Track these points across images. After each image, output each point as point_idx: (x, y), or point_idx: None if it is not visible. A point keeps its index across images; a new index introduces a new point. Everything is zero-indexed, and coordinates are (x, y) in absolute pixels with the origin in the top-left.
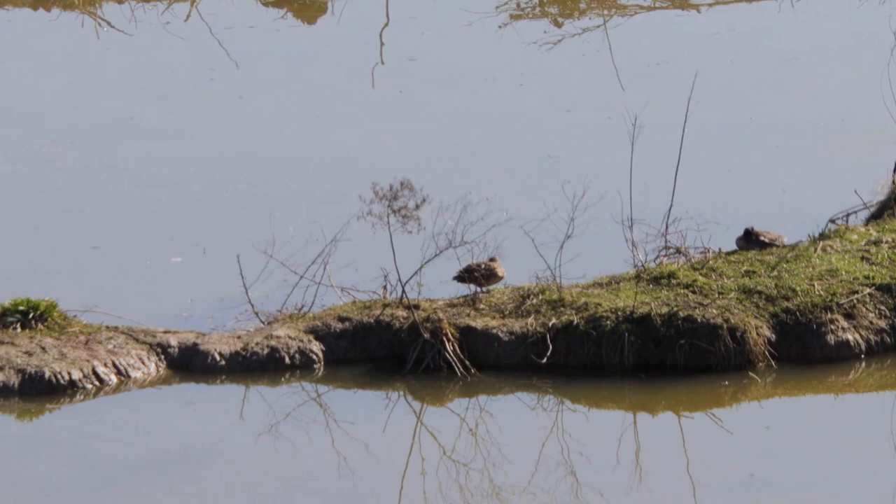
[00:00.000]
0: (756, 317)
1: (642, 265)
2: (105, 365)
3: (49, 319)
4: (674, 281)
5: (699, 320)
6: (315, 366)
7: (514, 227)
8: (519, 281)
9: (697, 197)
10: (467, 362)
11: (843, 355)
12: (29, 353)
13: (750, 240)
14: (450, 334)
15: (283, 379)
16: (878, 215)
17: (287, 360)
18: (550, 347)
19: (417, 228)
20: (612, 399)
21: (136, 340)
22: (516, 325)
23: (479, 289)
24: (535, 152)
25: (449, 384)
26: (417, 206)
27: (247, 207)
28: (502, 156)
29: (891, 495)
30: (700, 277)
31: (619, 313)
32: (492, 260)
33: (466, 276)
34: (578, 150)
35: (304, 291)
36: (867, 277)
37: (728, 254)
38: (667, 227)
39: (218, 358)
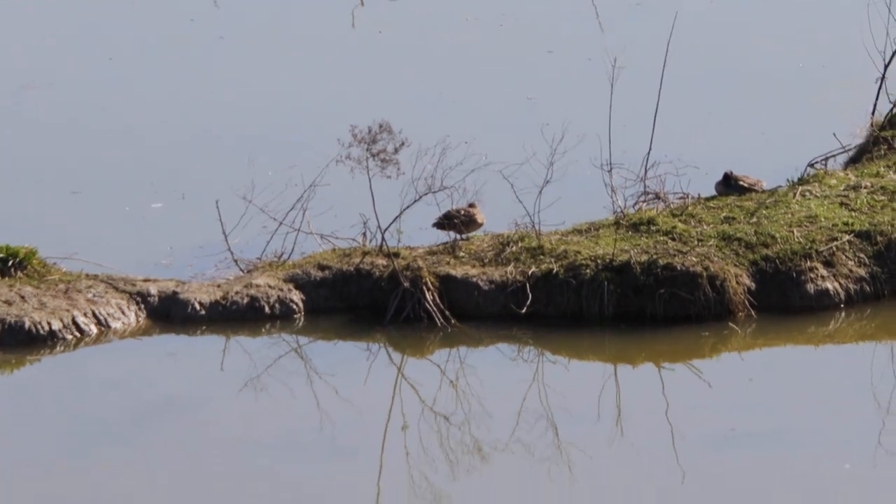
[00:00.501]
0: (736, 265)
1: (621, 211)
2: (85, 315)
3: (28, 267)
4: (653, 227)
5: (679, 269)
6: (295, 315)
7: (493, 172)
8: (499, 227)
9: (677, 141)
10: (447, 312)
11: (823, 304)
12: (9, 303)
13: (729, 185)
14: (430, 283)
15: (263, 329)
16: (856, 159)
17: (267, 309)
18: (530, 297)
19: (396, 173)
20: (592, 350)
21: (116, 289)
22: (496, 274)
23: (458, 236)
24: (515, 94)
25: (429, 335)
26: (396, 150)
27: (226, 152)
28: (482, 98)
29: (872, 446)
30: (679, 224)
31: (599, 261)
32: (471, 206)
33: (446, 222)
34: (558, 92)
35: (284, 238)
36: (846, 224)
37: (707, 199)
38: (646, 172)
39: (198, 307)
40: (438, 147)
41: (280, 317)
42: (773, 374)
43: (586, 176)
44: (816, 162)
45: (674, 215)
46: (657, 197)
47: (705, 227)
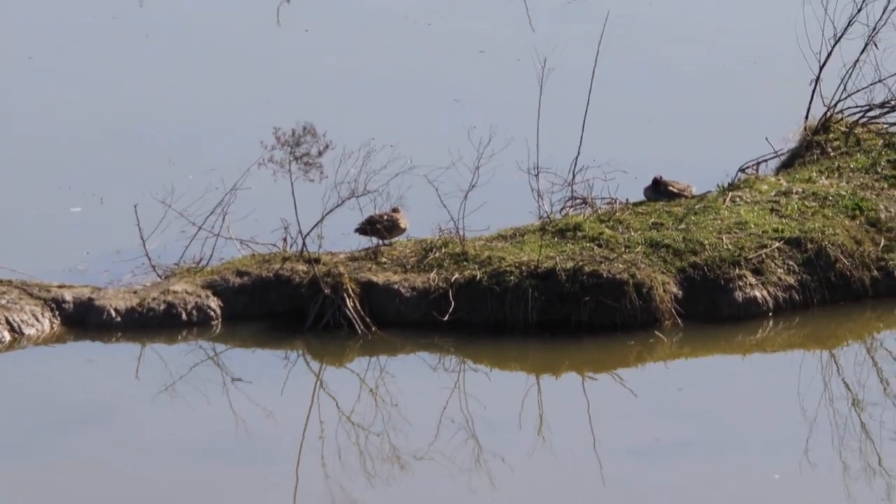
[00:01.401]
0: (663, 272)
1: (548, 216)
2: None
3: None
4: (580, 233)
5: (605, 276)
6: (213, 322)
7: (417, 176)
8: (423, 233)
9: (607, 145)
10: (368, 319)
11: (751, 313)
12: None
13: (658, 190)
14: (351, 290)
15: (180, 336)
16: (789, 164)
17: (184, 316)
18: (453, 304)
19: (320, 177)
20: (515, 359)
21: (30, 295)
22: (418, 280)
23: (381, 241)
24: (443, 96)
25: (349, 342)
26: (320, 153)
27: (146, 154)
28: (408, 99)
29: (799, 455)
30: (606, 230)
31: (524, 268)
32: (394, 211)
33: (368, 227)
34: (486, 93)
35: (203, 243)
36: (776, 231)
37: (636, 205)
38: (573, 176)
39: (114, 314)
40: (363, 150)
41: (197, 324)
42: (699, 384)
43: (513, 181)
44: (748, 167)
45: (601, 221)
46: (584, 202)
47: (633, 233)
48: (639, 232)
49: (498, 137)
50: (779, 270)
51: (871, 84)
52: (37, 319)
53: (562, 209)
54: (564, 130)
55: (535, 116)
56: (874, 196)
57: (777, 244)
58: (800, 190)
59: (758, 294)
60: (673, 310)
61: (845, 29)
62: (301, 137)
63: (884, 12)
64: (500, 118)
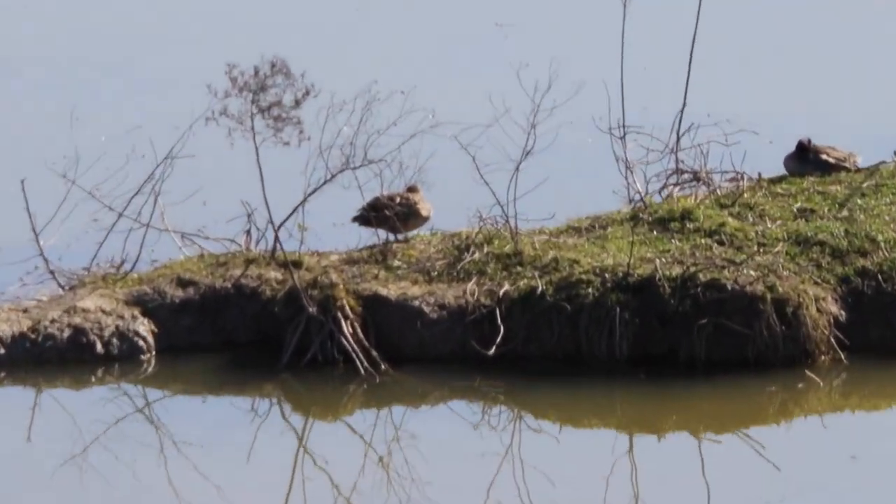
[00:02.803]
0: (816, 283)
1: (641, 199)
2: None
3: None
4: (690, 224)
5: (729, 288)
6: (143, 356)
7: (444, 139)
8: (454, 223)
9: (724, 93)
10: (375, 353)
11: None
12: None
13: (806, 159)
14: (348, 308)
15: (93, 378)
16: None
17: (99, 346)
18: (502, 330)
19: (298, 138)
20: (596, 411)
21: None
22: (449, 295)
23: (392, 235)
24: (479, 20)
25: (347, 387)
26: (297, 103)
27: (37, 103)
28: (424, 24)
29: None
30: (730, 219)
31: (607, 276)
32: (411, 190)
33: (373, 215)
34: (542, 16)
35: (126, 238)
36: None
37: (772, 181)
38: (678, 140)
39: None
40: (361, 99)
41: (119, 358)
42: (876, 451)
43: (587, 146)
44: None
45: (722, 206)
46: (696, 178)
47: (770, 224)
48: (779, 222)
49: (563, 80)
50: None
51: None
52: None
53: (662, 188)
54: (662, 72)
55: (617, 52)
56: None
57: None
58: None
59: None
60: (832, 339)
61: None
62: (268, 79)
63: None
64: (563, 51)
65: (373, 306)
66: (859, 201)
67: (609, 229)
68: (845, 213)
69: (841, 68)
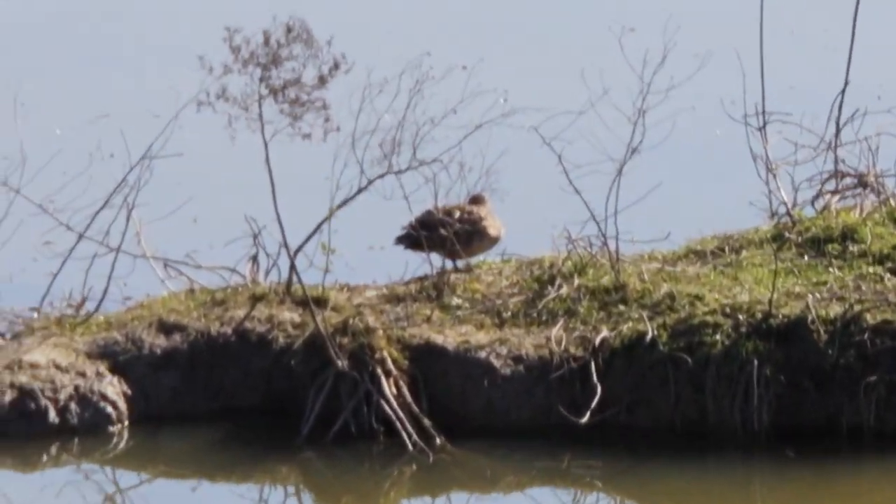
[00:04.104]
0: None
1: (787, 212)
2: None
3: None
4: (854, 247)
5: None
6: (112, 427)
7: (520, 131)
8: (532, 245)
9: None
10: (427, 421)
11: None
12: None
13: None
14: (391, 361)
15: (45, 456)
16: None
17: (53, 415)
18: (599, 390)
19: (323, 129)
20: (728, 502)
21: None
22: (527, 343)
23: (450, 262)
24: None
25: (391, 469)
26: (322, 80)
27: None
28: None
29: None
30: None
31: (742, 317)
32: (475, 202)
33: (425, 235)
34: None
35: (89, 267)
36: None
37: None
38: (838, 130)
39: None
40: (408, 76)
41: (81, 430)
42: None
43: (714, 140)
44: None
45: None
46: (862, 183)
47: None
48: None
49: (680, 50)
50: None
51: None
52: None
53: (816, 197)
54: (815, 37)
55: (756, 8)
56: None
57: None
58: None
59: None
60: None
61: None
62: (282, 48)
63: None
64: (680, 10)
65: (424, 359)
66: None
67: (744, 254)
68: None
69: None
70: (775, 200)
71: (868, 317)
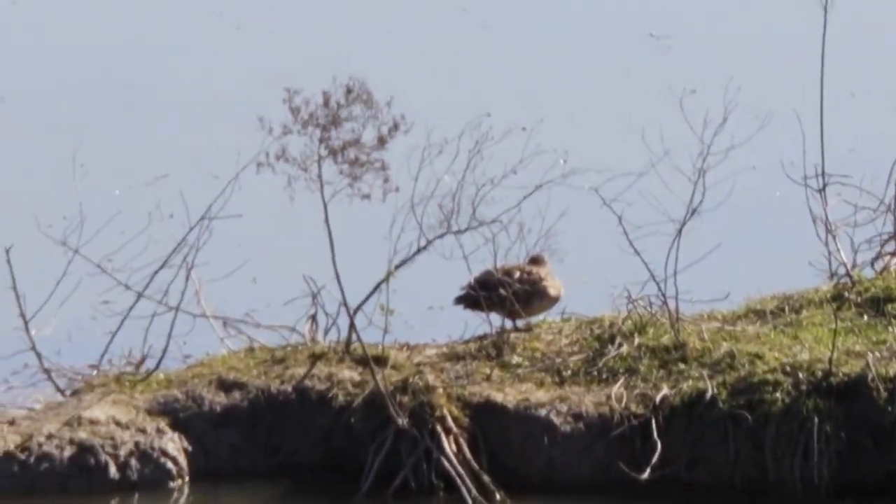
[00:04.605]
0: None
1: (847, 273)
2: None
3: None
4: None
5: None
6: (172, 483)
7: (580, 192)
8: (592, 305)
9: None
10: (487, 478)
11: None
12: None
13: None
14: (451, 419)
15: None
16: None
17: (114, 471)
18: (659, 447)
19: (382, 189)
20: None
21: None
22: (588, 401)
23: (510, 322)
24: (623, 28)
25: None
26: (382, 141)
27: (32, 150)
28: (553, 35)
29: None
30: None
31: (802, 375)
32: (535, 262)
33: (484, 295)
34: (709, 25)
35: (148, 326)
36: None
37: None
38: None
39: None
40: (468, 137)
41: (141, 486)
42: None
43: (773, 200)
44: None
45: None
46: None
47: None
48: None
49: (740, 112)
50: None
51: None
52: None
53: (876, 258)
54: (876, 99)
55: (817, 71)
56: None
57: None
58: None
59: None
60: None
61: None
62: (342, 109)
63: None
64: (740, 72)
65: (484, 417)
66: None
67: (803, 314)
68: None
69: None
70: (835, 261)
71: None
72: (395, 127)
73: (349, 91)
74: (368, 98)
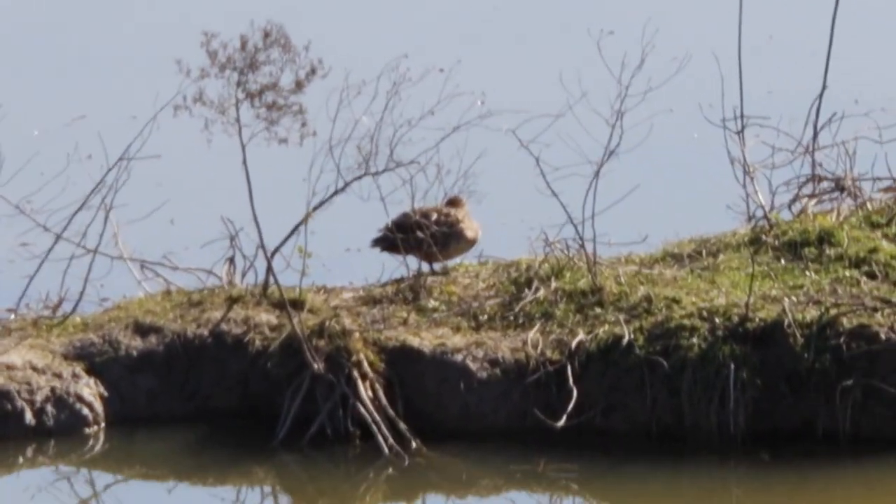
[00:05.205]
0: None
1: (765, 216)
2: None
3: None
4: (830, 251)
5: (884, 337)
6: (88, 429)
7: (497, 133)
8: (509, 248)
9: (879, 73)
10: (403, 425)
11: None
12: None
13: None
14: (367, 364)
15: (21, 458)
16: None
17: (30, 416)
18: (574, 394)
19: (300, 132)
20: None
21: None
22: (504, 346)
23: (427, 265)
24: None
25: (366, 471)
26: (299, 85)
27: None
28: None
29: None
30: (885, 244)
31: (718, 320)
32: (452, 204)
33: (401, 238)
34: None
35: (66, 269)
36: None
37: None
38: (815, 134)
39: None
40: (385, 79)
41: (57, 432)
42: None
43: (691, 143)
44: None
45: (874, 225)
46: (839, 187)
47: None
48: None
49: (659, 54)
50: None
51: None
52: None
53: (793, 201)
54: (793, 41)
55: (735, 13)
56: None
57: None
58: None
59: None
60: None
61: None
62: (260, 52)
63: None
64: (659, 13)
65: (401, 362)
66: None
67: (721, 257)
68: None
69: None
70: (752, 204)
71: (844, 321)
72: (313, 71)
73: (267, 35)
74: (286, 42)
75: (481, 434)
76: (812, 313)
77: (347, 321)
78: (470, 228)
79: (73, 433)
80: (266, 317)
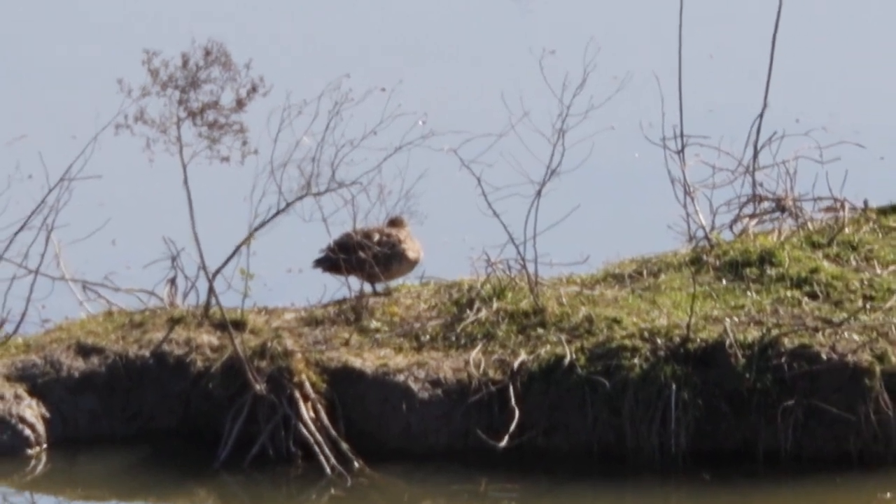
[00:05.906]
0: None
1: (706, 236)
2: None
3: None
4: (771, 271)
5: (825, 357)
6: (29, 451)
7: (439, 153)
8: (451, 269)
9: (818, 93)
10: (345, 445)
11: None
12: None
13: None
14: (309, 385)
15: None
16: None
17: None
18: (517, 414)
19: (241, 151)
20: None
21: None
22: (446, 366)
23: (369, 286)
24: None
25: (308, 492)
26: (241, 103)
27: None
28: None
29: None
30: (825, 264)
31: (660, 341)
32: (394, 224)
33: (343, 258)
34: None
35: (7, 289)
36: None
37: (884, 211)
38: (755, 154)
39: None
40: (327, 99)
41: (0, 453)
42: None
43: (632, 162)
44: None
45: (815, 245)
46: (780, 207)
47: (880, 269)
48: (892, 268)
49: (600, 73)
50: None
51: None
52: None
53: (734, 221)
54: (733, 61)
55: (675, 33)
56: None
57: None
58: None
59: None
60: None
61: None
62: (201, 71)
63: None
64: (601, 34)
65: (342, 383)
66: None
67: (662, 277)
68: None
69: None
70: (693, 224)
71: (785, 341)
72: (254, 89)
73: (208, 53)
74: (227, 60)
75: (423, 454)
76: (753, 334)
77: (289, 342)
78: (412, 249)
79: (15, 454)
80: (207, 338)
